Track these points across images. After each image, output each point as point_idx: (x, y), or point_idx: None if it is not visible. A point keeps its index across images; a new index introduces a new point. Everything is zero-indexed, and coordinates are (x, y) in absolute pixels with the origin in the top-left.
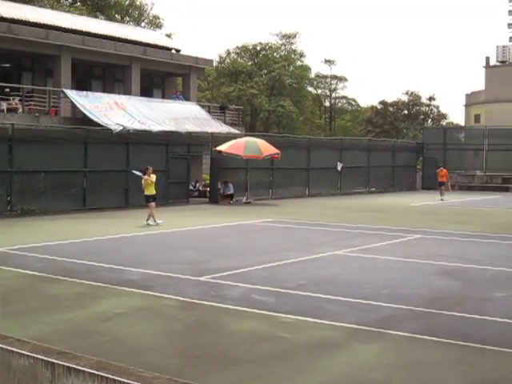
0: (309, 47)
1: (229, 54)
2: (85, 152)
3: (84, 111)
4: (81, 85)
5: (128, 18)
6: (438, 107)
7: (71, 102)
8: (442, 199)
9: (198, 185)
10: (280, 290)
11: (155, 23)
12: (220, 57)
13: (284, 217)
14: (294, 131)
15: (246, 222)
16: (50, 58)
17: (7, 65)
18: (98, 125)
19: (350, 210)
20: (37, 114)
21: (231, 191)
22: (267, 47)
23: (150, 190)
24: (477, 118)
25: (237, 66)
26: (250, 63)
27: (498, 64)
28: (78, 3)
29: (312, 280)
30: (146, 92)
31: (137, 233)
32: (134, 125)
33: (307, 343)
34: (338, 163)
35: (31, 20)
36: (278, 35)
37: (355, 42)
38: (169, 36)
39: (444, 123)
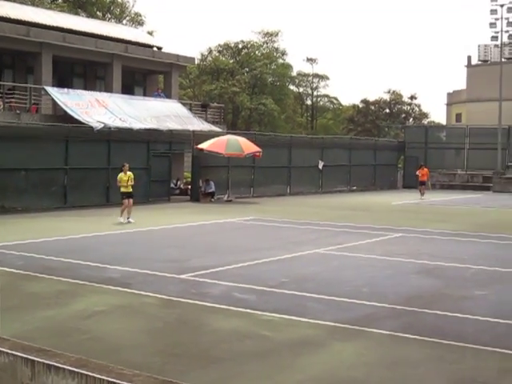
0: (291, 45)
1: (210, 51)
2: (66, 150)
3: (65, 108)
4: (62, 82)
5: (109, 16)
6: (419, 106)
7: (52, 99)
8: (421, 198)
9: (179, 183)
10: (261, 287)
11: (137, 20)
12: (202, 54)
13: (265, 215)
14: (276, 129)
15: (227, 220)
16: (31, 55)
17: None
18: (79, 122)
19: (331, 209)
20: (18, 112)
21: (212, 189)
22: (249, 45)
23: (127, 188)
24: (458, 116)
25: (218, 64)
26: (231, 61)
27: (479, 63)
28: (59, 0)
29: (293, 278)
30: (127, 89)
31: (117, 231)
32: (115, 122)
33: (288, 341)
34: (320, 162)
35: (12, 17)
36: (260, 33)
37: (337, 40)
38: (150, 33)
39: (425, 122)
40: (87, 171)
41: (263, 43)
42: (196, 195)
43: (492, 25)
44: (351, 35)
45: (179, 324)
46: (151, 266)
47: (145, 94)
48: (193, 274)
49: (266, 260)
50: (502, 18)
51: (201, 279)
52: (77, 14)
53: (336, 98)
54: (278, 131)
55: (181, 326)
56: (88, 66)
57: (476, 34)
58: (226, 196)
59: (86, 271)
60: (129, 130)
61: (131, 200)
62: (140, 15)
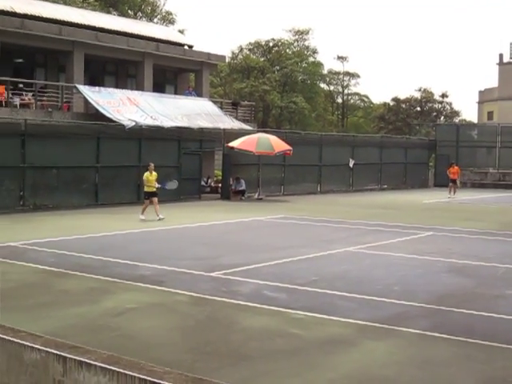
0: (321, 43)
1: (241, 50)
2: (97, 147)
3: (97, 107)
4: (93, 80)
5: (141, 14)
6: (450, 104)
7: (84, 97)
8: (449, 197)
9: (209, 181)
10: (291, 286)
11: (168, 19)
12: (232, 53)
13: (296, 213)
14: (306, 128)
15: (257, 218)
16: (63, 53)
17: (20, 60)
18: (111, 120)
19: (361, 207)
20: (50, 110)
21: (243, 187)
22: (280, 43)
23: (151, 187)
24: (490, 115)
25: (249, 62)
26: (262, 59)
27: (511, 61)
28: None
29: (323, 276)
30: (158, 88)
31: (148, 228)
32: (146, 120)
33: (318, 340)
34: (350, 160)
35: (44, 16)
36: (290, 31)
37: (368, 38)
38: (181, 32)
39: (457, 120)
40: (118, 169)
41: (294, 41)
42: (226, 193)
43: None
44: (382, 33)
45: (210, 322)
46: (182, 264)
47: (176, 93)
48: (223, 272)
49: (296, 258)
50: None
51: (231, 277)
52: (108, 12)
53: (367, 96)
54: (309, 129)
55: (211, 324)
56: (119, 65)
57: (508, 32)
58: (257, 194)
59: (117, 268)
60: (160, 128)
61: (155, 198)
62: (171, 14)
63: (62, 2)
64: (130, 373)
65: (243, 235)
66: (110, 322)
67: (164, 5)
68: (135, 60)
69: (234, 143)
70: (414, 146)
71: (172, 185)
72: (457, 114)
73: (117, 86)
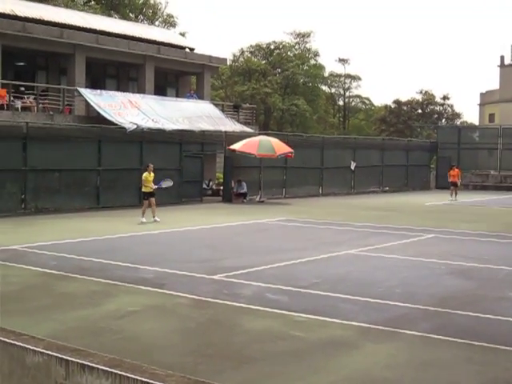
0: (323, 46)
1: (242, 52)
2: (99, 150)
3: (98, 110)
4: (95, 83)
5: (142, 17)
6: (452, 106)
7: (85, 100)
8: (450, 200)
9: (211, 183)
10: (293, 288)
11: (169, 22)
12: (234, 55)
13: (297, 216)
14: (308, 130)
15: (259, 220)
16: (65, 56)
17: (22, 63)
18: (112, 123)
19: (363, 209)
20: (51, 113)
21: (244, 190)
22: (281, 46)
23: (148, 188)
24: (491, 117)
25: (250, 65)
26: (263, 62)
27: None
28: (92, 2)
29: (325, 279)
30: (159, 91)
31: (150, 231)
32: (147, 123)
33: (320, 342)
34: (352, 162)
35: (46, 19)
36: (292, 34)
37: (369, 40)
38: (183, 35)
39: (458, 122)
40: (120, 172)
41: (295, 44)
42: (228, 196)
43: None
44: (383, 35)
45: (212, 324)
46: (183, 267)
47: (177, 95)
48: (225, 275)
49: (298, 261)
50: None
51: (233, 280)
52: (110, 15)
53: (368, 99)
54: (310, 132)
55: (213, 327)
56: (121, 68)
57: (509, 34)
58: (258, 197)
59: (119, 271)
60: (161, 131)
61: (153, 199)
62: (172, 16)
63: (64, 5)
64: (133, 376)
65: (245, 238)
66: (111, 324)
67: (165, 8)
68: (136, 63)
69: (236, 146)
70: (415, 148)
71: (167, 183)
72: (458, 116)
73: (118, 89)
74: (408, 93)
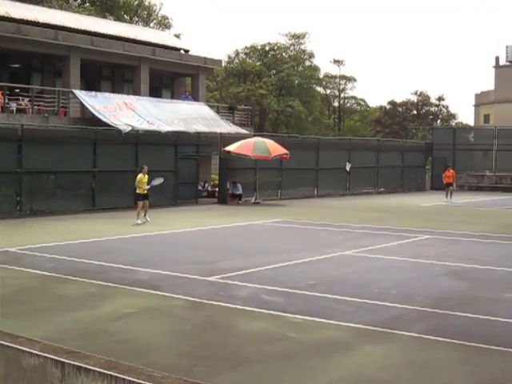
0: (318, 47)
1: (237, 54)
2: (94, 152)
3: (93, 111)
4: (90, 85)
5: (137, 19)
6: (447, 107)
7: (80, 102)
8: (446, 201)
9: (206, 185)
10: (289, 290)
11: (164, 23)
12: (229, 57)
13: (293, 217)
14: (303, 131)
15: (254, 222)
16: (59, 58)
17: (17, 65)
18: (107, 125)
19: (358, 211)
20: (46, 115)
21: (240, 191)
22: (276, 47)
23: (142, 190)
24: (486, 118)
25: (245, 66)
26: (258, 63)
27: (507, 64)
28: (87, 4)
29: (321, 280)
30: (154, 92)
31: (146, 233)
32: (143, 125)
33: (316, 343)
34: (347, 163)
35: (40, 21)
36: (287, 35)
37: (364, 42)
38: (177, 36)
39: (453, 123)
40: (115, 174)
41: (290, 45)
42: (223, 197)
43: None
44: (378, 37)
45: (207, 326)
46: (179, 268)
47: (172, 97)
48: (221, 276)
49: (293, 262)
50: None
51: (229, 281)
52: (104, 17)
53: (363, 100)
54: (305, 133)
55: (209, 328)
56: (116, 69)
57: (504, 35)
58: (254, 198)
59: (115, 273)
60: (156, 133)
61: (147, 201)
62: (167, 18)
63: (58, 7)
64: (129, 378)
65: (240, 239)
66: (108, 326)
67: (160, 9)
68: (131, 65)
69: (231, 147)
70: (410, 149)
71: (158, 180)
72: (453, 117)
73: (113, 91)
74: (403, 94)
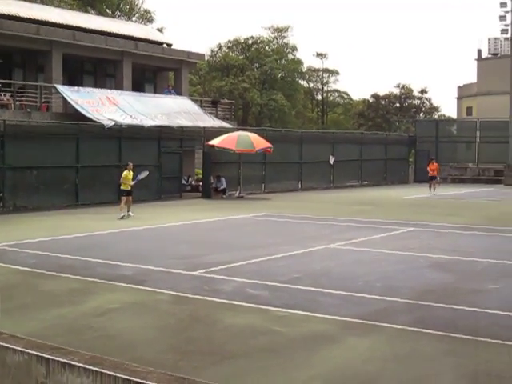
0: (301, 41)
1: (220, 48)
2: (77, 147)
3: (76, 106)
4: (72, 80)
5: (119, 13)
6: (429, 100)
7: (63, 97)
8: (429, 193)
9: (190, 179)
10: (274, 283)
11: (146, 17)
12: (212, 51)
13: (277, 211)
14: (286, 125)
15: (238, 216)
16: (41, 53)
17: None
18: (90, 120)
19: (342, 204)
20: (28, 110)
21: (224, 185)
22: (259, 41)
23: (127, 186)
24: (469, 110)
25: (228, 60)
26: (241, 57)
27: (489, 56)
28: None
29: (306, 274)
30: (137, 87)
31: (130, 228)
32: (126, 120)
33: (301, 337)
34: (331, 157)
35: (22, 15)
36: (269, 29)
37: (347, 35)
38: (160, 30)
39: (436, 116)
40: (98, 169)
41: (273, 39)
42: (207, 192)
43: (502, 18)
44: (361, 30)
45: (192, 320)
46: (164, 263)
47: (155, 91)
48: (205, 271)
49: (278, 256)
50: (511, 11)
51: (214, 275)
52: (86, 11)
53: (346, 93)
54: (289, 127)
55: (194, 323)
56: (98, 64)
57: (486, 28)
58: (238, 192)
59: (99, 269)
60: (139, 128)
61: (130, 197)
62: (149, 12)
63: (40, 2)
64: (114, 373)
65: (225, 233)
66: (92, 322)
67: (142, 3)
68: (114, 59)
69: (215, 141)
70: (393, 142)
71: (143, 174)
72: (436, 109)
73: (96, 86)
74: (386, 87)
